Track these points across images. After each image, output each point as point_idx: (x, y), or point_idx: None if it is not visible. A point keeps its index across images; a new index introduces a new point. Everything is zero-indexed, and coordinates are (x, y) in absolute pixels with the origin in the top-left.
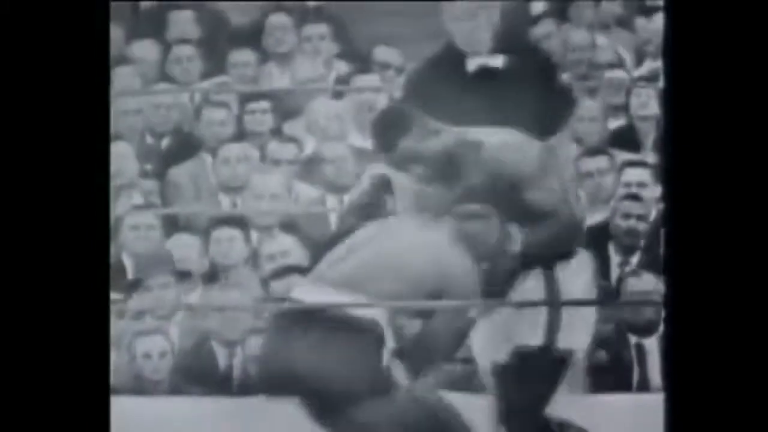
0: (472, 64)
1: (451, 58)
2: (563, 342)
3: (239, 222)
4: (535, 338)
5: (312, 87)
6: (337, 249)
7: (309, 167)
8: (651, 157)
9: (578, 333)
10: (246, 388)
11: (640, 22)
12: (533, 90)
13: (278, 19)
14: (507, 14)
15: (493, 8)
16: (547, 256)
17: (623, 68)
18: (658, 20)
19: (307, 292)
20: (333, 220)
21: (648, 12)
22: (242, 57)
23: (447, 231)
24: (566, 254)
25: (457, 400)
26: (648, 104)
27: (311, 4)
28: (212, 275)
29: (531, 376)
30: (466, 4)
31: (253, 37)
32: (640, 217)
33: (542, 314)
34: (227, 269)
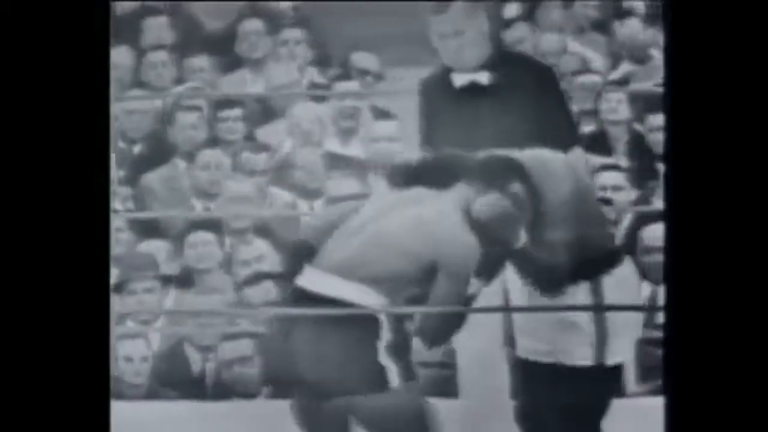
0: (459, 80)
1: (444, 76)
2: (614, 357)
3: (214, 226)
4: (584, 357)
5: (287, 92)
6: (337, 235)
7: (281, 172)
8: (624, 161)
9: (626, 344)
10: (219, 392)
11: (616, 25)
12: (532, 105)
13: (252, 25)
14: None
15: (482, 21)
16: (589, 266)
17: (595, 72)
18: (633, 24)
19: (312, 281)
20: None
21: (622, 15)
22: (198, 63)
23: (449, 200)
24: (611, 263)
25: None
26: (618, 109)
27: (286, 6)
28: (187, 279)
29: (580, 392)
30: (453, 21)
31: (226, 42)
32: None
33: (590, 330)
34: (202, 273)
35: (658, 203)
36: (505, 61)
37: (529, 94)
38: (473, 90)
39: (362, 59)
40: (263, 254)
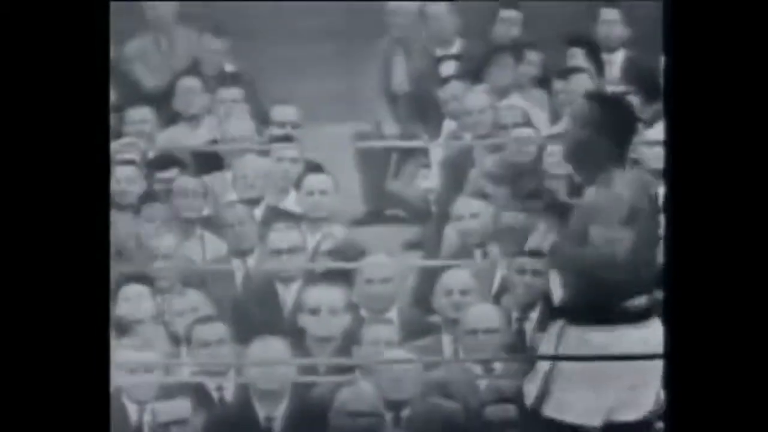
0: None
1: None
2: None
3: (145, 278)
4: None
5: (230, 147)
6: None
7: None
8: None
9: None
10: None
11: (558, 82)
12: None
13: (189, 82)
14: None
15: None
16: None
17: (531, 127)
18: (577, 81)
19: None
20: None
21: (565, 74)
22: (139, 115)
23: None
24: (631, 317)
25: None
26: (561, 162)
27: (222, 66)
28: (123, 331)
29: None
30: None
31: (164, 99)
32: (536, 272)
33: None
34: (136, 325)
35: None
36: None
37: None
38: None
39: (281, 112)
40: (197, 305)
